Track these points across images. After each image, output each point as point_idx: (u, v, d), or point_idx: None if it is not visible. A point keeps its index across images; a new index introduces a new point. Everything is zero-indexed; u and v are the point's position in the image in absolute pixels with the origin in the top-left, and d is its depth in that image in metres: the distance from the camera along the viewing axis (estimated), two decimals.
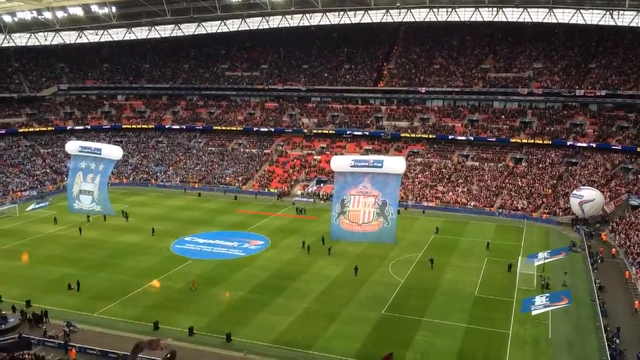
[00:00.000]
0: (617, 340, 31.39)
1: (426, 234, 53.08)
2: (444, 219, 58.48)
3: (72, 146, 50.20)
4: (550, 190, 63.14)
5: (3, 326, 32.55)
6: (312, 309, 35.76)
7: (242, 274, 42.15)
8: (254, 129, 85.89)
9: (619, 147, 65.80)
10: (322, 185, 70.49)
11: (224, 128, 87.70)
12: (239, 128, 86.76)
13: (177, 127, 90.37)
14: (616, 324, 33.22)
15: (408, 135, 78.13)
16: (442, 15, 75.93)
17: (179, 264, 44.52)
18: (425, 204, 64.20)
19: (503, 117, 76.83)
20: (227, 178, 75.94)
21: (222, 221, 57.52)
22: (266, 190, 71.74)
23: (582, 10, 68.04)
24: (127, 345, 30.56)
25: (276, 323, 33.51)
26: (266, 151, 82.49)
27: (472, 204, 63.33)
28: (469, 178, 68.60)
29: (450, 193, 65.89)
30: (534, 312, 32.84)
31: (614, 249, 46.56)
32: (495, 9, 71.81)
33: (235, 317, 33.72)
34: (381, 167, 43.77)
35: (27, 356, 27.03)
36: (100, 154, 47.20)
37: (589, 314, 35.37)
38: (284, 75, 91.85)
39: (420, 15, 77.87)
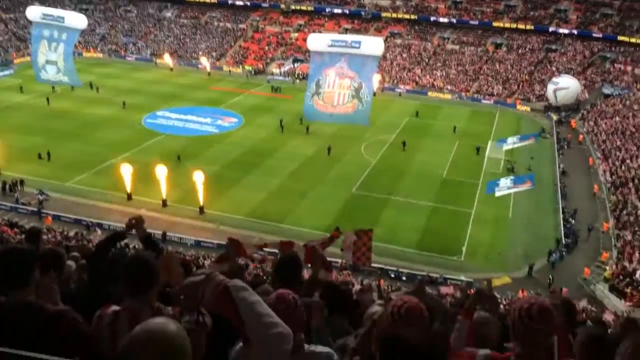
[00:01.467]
0: (573, 221, 33.27)
1: (401, 117, 53.19)
2: (419, 102, 58.37)
3: (34, 12, 47.23)
4: (527, 77, 63.01)
5: None
6: (284, 186, 36.55)
7: (215, 150, 42.26)
8: (229, 2, 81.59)
9: (600, 35, 64.96)
10: (298, 64, 68.86)
11: (196, 0, 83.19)
12: (212, 0, 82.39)
13: None
14: (574, 206, 34.99)
15: (389, 15, 75.46)
16: None
17: (150, 137, 44.24)
18: (402, 87, 63.65)
19: None
20: (199, 52, 73.36)
21: (195, 97, 56.36)
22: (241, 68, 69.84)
23: None
24: (100, 214, 31.16)
25: (249, 198, 34.31)
26: (241, 26, 79.19)
27: (448, 87, 63.08)
28: (447, 62, 67.68)
29: (428, 76, 65.24)
30: (497, 194, 34.26)
31: (581, 136, 47.68)
32: None
33: (208, 191, 34.31)
34: (359, 47, 42.73)
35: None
36: (63, 22, 44.59)
37: (550, 196, 37.01)
38: None
39: None
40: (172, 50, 74.03)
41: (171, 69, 67.69)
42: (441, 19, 73.17)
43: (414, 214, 33.86)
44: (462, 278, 27.71)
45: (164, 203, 32.48)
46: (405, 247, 30.25)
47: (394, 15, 75.26)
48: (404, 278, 27.27)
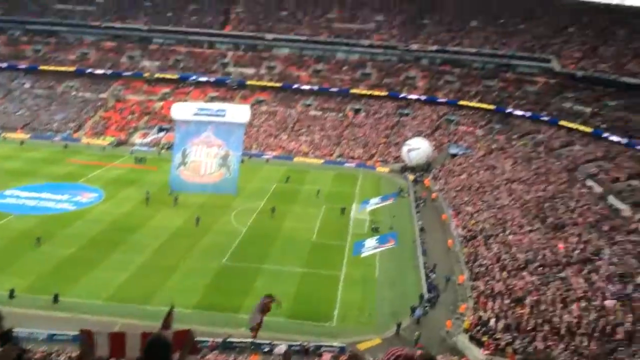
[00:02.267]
0: (433, 275, 35.45)
1: (269, 183, 54.07)
2: (287, 168, 59.90)
3: None
4: (384, 140, 67.49)
5: None
6: (150, 263, 35.07)
7: (72, 228, 39.62)
8: (88, 71, 79.00)
9: (445, 100, 71.97)
10: (163, 133, 67.78)
11: (52, 68, 79.36)
12: (70, 69, 79.21)
13: None
14: (433, 261, 37.41)
15: (254, 82, 77.64)
16: None
17: None
18: (269, 153, 65.00)
19: (345, 68, 79.49)
20: (55, 124, 69.49)
21: (50, 172, 52.85)
22: (101, 139, 67.11)
23: None
24: None
25: (111, 279, 32.37)
26: (102, 95, 76.72)
27: (313, 152, 65.55)
28: (311, 127, 70.63)
29: (294, 142, 67.43)
30: (363, 254, 35.66)
31: (434, 194, 51.64)
32: None
33: (64, 276, 31.87)
34: (224, 115, 43.43)
35: None
36: None
37: (411, 253, 39.21)
38: (123, 12, 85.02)
39: None
40: (25, 122, 69.44)
41: (22, 143, 63.14)
42: (304, 87, 76.66)
43: (285, 281, 34.02)
44: (335, 344, 28.07)
45: (11, 294, 29.53)
46: (278, 316, 30.11)
47: (259, 83, 77.56)
48: (276, 351, 27.02)
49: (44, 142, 64.88)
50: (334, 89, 76.33)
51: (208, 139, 44.40)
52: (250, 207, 46.41)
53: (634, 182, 39.92)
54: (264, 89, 77.67)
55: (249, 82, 77.59)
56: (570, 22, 72.22)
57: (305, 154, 65.28)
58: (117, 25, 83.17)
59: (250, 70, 79.18)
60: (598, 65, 60.81)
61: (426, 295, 33.08)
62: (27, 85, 78.06)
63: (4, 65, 79.81)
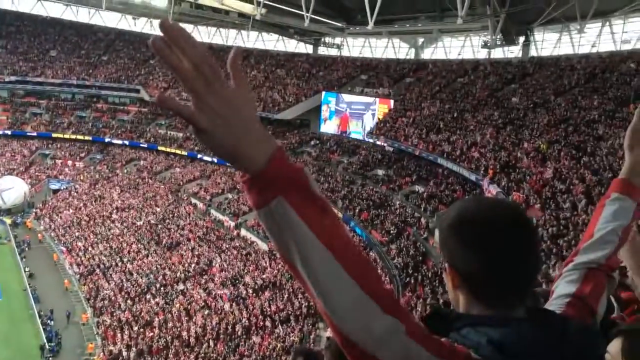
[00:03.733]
0: (52, 322, 32.70)
1: None
2: None
3: None
4: None
5: None
6: None
7: None
8: None
9: (35, 133, 66.62)
10: None
11: None
12: None
13: None
14: (49, 306, 34.42)
15: None
16: None
17: None
18: None
19: None
20: None
21: None
22: None
23: None
24: None
25: None
26: None
27: None
28: None
29: None
30: None
31: (40, 234, 47.41)
32: None
33: None
34: None
35: None
36: None
37: (23, 303, 35.18)
38: None
39: None
40: None
41: None
42: None
43: None
44: None
45: None
46: None
47: None
48: None
49: None
50: None
51: None
52: None
53: (229, 195, 45.64)
54: None
55: None
56: (151, 55, 76.90)
57: None
58: None
59: None
60: (182, 93, 66.51)
61: (47, 345, 30.34)
62: None
63: None
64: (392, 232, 31.78)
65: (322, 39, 65.93)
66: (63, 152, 65.15)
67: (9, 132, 66.12)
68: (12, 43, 75.51)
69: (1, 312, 33.06)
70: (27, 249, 44.38)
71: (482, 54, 49.21)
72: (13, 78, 70.27)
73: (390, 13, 46.89)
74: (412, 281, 25.41)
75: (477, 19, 42.72)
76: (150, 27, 75.19)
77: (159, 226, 42.88)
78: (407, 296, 23.57)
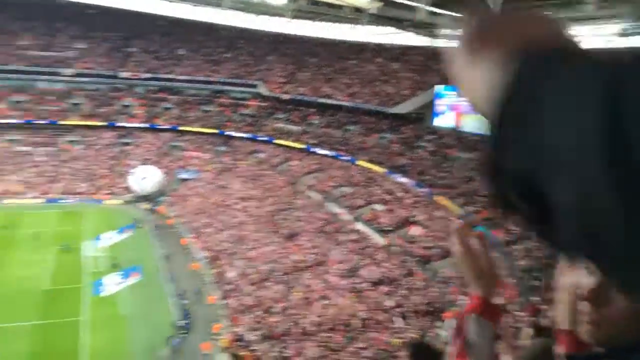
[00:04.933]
0: (185, 302, 35.54)
1: None
2: None
3: None
4: (109, 171, 64.32)
5: None
6: None
7: None
8: None
9: (166, 127, 72.14)
10: None
11: None
12: None
13: None
14: (182, 287, 37.43)
15: None
16: None
17: None
18: None
19: (51, 98, 72.94)
20: None
21: None
22: None
23: None
24: None
25: None
26: None
27: (29, 192, 58.57)
28: (20, 165, 62.95)
29: (1, 183, 59.10)
30: (106, 293, 33.69)
31: (171, 220, 51.49)
32: None
33: None
34: None
35: None
36: None
37: (158, 283, 38.49)
38: None
39: None
40: None
41: None
42: (2, 120, 67.78)
43: (15, 340, 29.93)
44: None
45: None
46: None
47: None
48: None
49: None
50: (41, 121, 69.43)
51: None
52: None
53: (345, 189, 46.62)
54: None
55: None
56: (269, 51, 79.98)
57: (19, 195, 57.79)
58: None
59: None
60: (298, 89, 68.91)
61: (180, 323, 33.01)
62: None
63: None
64: (515, 232, 30.89)
65: (439, 31, 64.77)
66: (191, 144, 69.95)
67: (145, 125, 72.10)
68: (146, 43, 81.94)
69: (141, 291, 36.37)
70: (161, 233, 48.47)
71: (617, 43, 45.73)
72: (148, 75, 76.30)
73: (514, 1, 45.05)
74: (539, 284, 24.60)
75: (611, 5, 39.81)
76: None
77: (278, 216, 44.79)
78: (533, 301, 22.86)
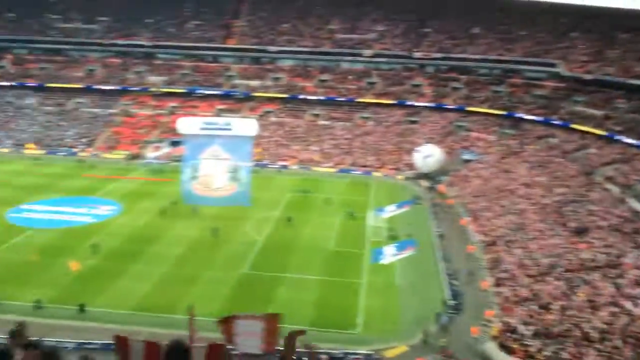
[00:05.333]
0: (456, 282, 35.22)
1: (283, 193, 54.04)
2: (300, 177, 59.94)
3: None
4: (395, 147, 67.54)
5: None
6: (171, 273, 34.98)
7: (92, 241, 39.55)
8: (95, 87, 79.37)
9: (453, 107, 72.09)
10: (175, 146, 67.75)
11: (60, 85, 79.70)
12: (78, 85, 79.52)
13: (5, 83, 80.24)
14: (454, 267, 37.22)
15: (261, 94, 77.87)
16: None
17: (17, 234, 40.50)
18: (280, 162, 65.12)
19: (350, 77, 79.72)
20: (67, 140, 69.81)
21: (66, 186, 52.98)
22: (113, 153, 67.35)
23: None
24: None
25: (134, 290, 32.31)
26: (111, 111, 76.98)
27: (325, 162, 65.59)
28: (321, 137, 70.73)
29: (305, 152, 67.51)
30: (383, 262, 35.55)
31: (450, 200, 51.52)
32: None
33: (88, 287, 31.73)
34: (230, 129, 43.23)
35: None
36: None
37: (431, 260, 39.01)
38: (126, 29, 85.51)
39: None
40: (37, 139, 69.76)
41: (36, 159, 63.37)
42: (310, 97, 76.84)
43: (306, 289, 33.86)
44: (361, 352, 27.83)
45: (38, 305, 29.48)
46: (301, 325, 29.91)
47: (266, 94, 77.79)
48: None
49: (58, 157, 65.09)
50: (341, 99, 76.54)
51: (216, 152, 44.14)
52: (266, 217, 46.36)
53: None
54: (271, 100, 77.85)
55: (255, 94, 77.83)
56: (571, 27, 72.60)
57: (317, 163, 65.28)
58: (121, 42, 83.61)
59: (256, 82, 79.49)
60: (604, 68, 61.00)
61: (450, 302, 32.84)
62: (36, 103, 78.30)
63: (13, 83, 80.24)
64: None
65: None
66: (476, 125, 68.59)
67: (431, 105, 73.39)
68: (442, 24, 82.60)
69: (414, 265, 37.44)
70: (439, 211, 48.95)
71: None
72: (439, 55, 77.06)
73: None
74: None
75: None
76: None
77: (567, 208, 40.75)
78: None
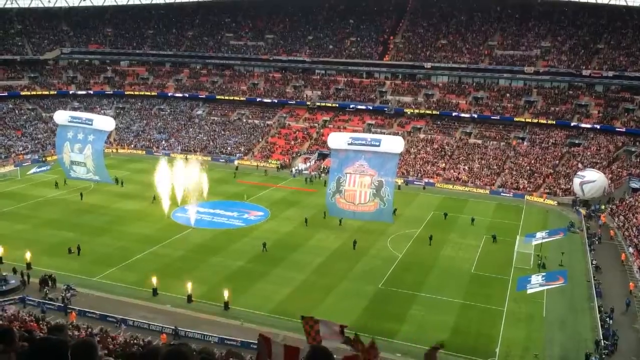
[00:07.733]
0: (610, 321, 31.78)
1: (426, 210, 53.19)
2: (444, 196, 58.60)
3: (61, 116, 50.77)
4: (551, 170, 63.06)
5: (4, 287, 32.97)
6: (309, 281, 36.21)
7: (241, 243, 42.52)
8: (257, 100, 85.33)
9: (623, 129, 65.42)
10: (323, 159, 70.29)
11: (227, 98, 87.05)
12: (242, 98, 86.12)
13: (180, 95, 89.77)
14: (611, 304, 33.63)
15: (412, 110, 77.60)
16: None
17: (178, 231, 44.84)
18: (425, 180, 64.20)
19: (508, 95, 76.21)
20: (228, 148, 75.89)
21: (223, 191, 57.54)
22: (267, 162, 71.68)
23: None
24: (126, 310, 31.09)
25: (274, 293, 33.99)
26: (268, 122, 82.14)
27: (472, 181, 63.34)
28: (470, 156, 68.46)
29: (452, 170, 65.83)
30: (529, 291, 33.23)
31: (612, 231, 46.71)
32: None
33: (233, 286, 34.02)
34: (379, 145, 43.46)
35: (26, 317, 27.39)
36: (91, 124, 47.96)
37: (584, 294, 35.73)
38: (289, 46, 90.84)
39: None
40: (202, 146, 76.85)
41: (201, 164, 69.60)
42: (463, 114, 74.82)
43: (443, 311, 32.92)
44: None
45: (189, 299, 32.34)
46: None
47: (417, 110, 77.32)
48: None
49: (218, 163, 70.90)
50: (495, 117, 73.42)
51: (362, 168, 44.64)
52: (407, 234, 45.98)
53: None
54: (421, 116, 77.19)
55: (406, 110, 77.73)
56: None
57: (464, 183, 63.27)
58: (283, 58, 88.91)
59: (407, 98, 79.40)
60: None
61: (603, 342, 29.70)
62: (204, 113, 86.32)
63: (187, 95, 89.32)
64: None
65: None
66: None
67: (598, 126, 67.36)
68: (616, 38, 75.69)
69: (564, 298, 34.58)
70: (597, 242, 44.64)
71: None
72: (611, 73, 70.63)
73: None
74: None
75: None
76: None
77: None
78: None
